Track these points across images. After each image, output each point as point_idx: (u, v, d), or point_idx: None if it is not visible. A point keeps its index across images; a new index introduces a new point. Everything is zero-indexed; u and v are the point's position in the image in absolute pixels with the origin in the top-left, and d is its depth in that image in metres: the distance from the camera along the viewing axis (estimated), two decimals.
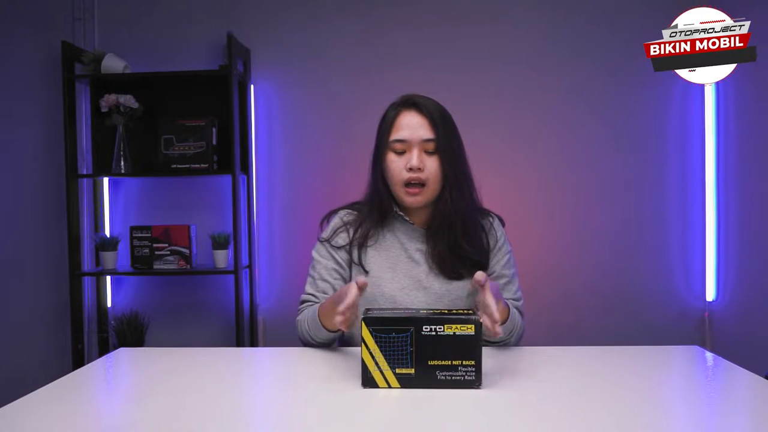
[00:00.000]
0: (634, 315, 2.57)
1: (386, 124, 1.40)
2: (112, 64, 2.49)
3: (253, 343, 2.63)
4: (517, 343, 1.38)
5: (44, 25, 2.67)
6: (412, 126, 1.37)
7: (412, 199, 1.37)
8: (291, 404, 1.05)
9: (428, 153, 1.37)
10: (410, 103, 1.39)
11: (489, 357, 1.27)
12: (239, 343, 2.46)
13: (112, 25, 2.69)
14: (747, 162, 2.44)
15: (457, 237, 1.38)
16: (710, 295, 2.55)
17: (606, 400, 1.02)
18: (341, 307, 1.11)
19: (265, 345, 2.67)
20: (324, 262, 1.43)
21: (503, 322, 1.29)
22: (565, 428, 0.90)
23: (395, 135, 1.37)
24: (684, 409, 1.03)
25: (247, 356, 1.55)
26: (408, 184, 1.36)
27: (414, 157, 1.35)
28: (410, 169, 1.35)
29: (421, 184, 1.36)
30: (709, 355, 1.30)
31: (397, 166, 1.37)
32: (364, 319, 1.06)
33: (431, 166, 1.36)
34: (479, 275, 1.13)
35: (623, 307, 2.58)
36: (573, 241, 2.60)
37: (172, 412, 0.98)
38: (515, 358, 1.28)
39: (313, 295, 1.42)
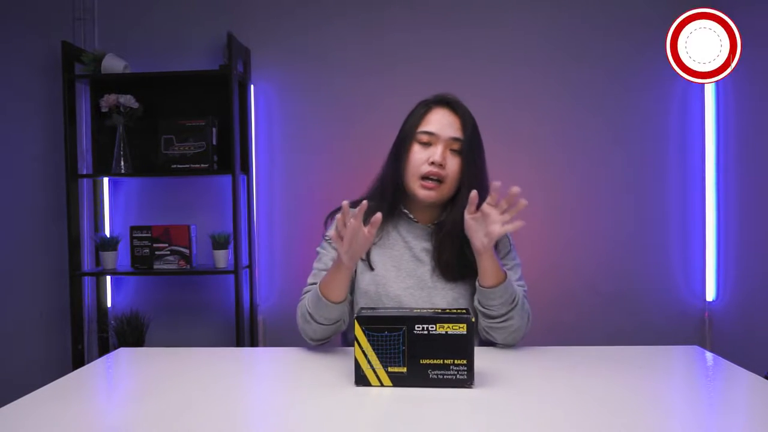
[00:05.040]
0: (634, 315, 2.57)
1: (416, 117, 1.40)
2: (112, 64, 2.49)
3: (253, 343, 2.63)
4: (526, 328, 1.34)
5: (44, 25, 2.67)
6: (443, 122, 1.37)
7: (426, 193, 1.36)
8: (286, 403, 1.05)
9: (452, 153, 1.36)
10: (444, 101, 1.40)
11: (486, 356, 1.27)
12: (239, 343, 2.46)
13: (112, 25, 2.69)
14: (747, 162, 2.43)
15: (464, 245, 1.36)
16: (710, 295, 2.55)
17: (606, 400, 1.02)
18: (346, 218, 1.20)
19: (265, 345, 2.67)
20: (331, 253, 1.41)
21: (498, 284, 1.28)
22: (564, 428, 0.90)
23: (424, 127, 1.37)
24: (684, 409, 1.03)
25: (246, 356, 1.55)
26: (425, 177, 1.36)
27: (438, 152, 1.35)
28: (432, 163, 1.35)
29: (439, 180, 1.35)
30: (709, 355, 1.30)
31: (420, 157, 1.36)
32: (357, 318, 1.07)
33: (452, 165, 1.36)
34: (473, 194, 1.25)
35: (623, 307, 2.58)
36: (573, 241, 2.60)
37: (172, 412, 0.98)
38: (513, 358, 1.28)
39: (316, 284, 1.38)
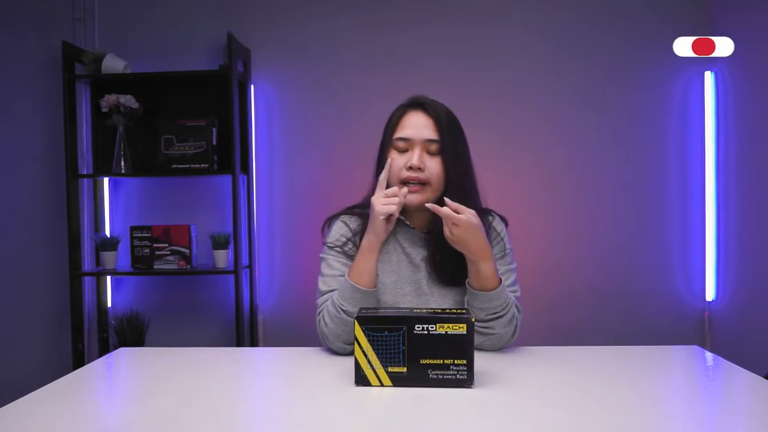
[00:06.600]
0: (634, 315, 2.57)
1: (392, 123, 1.39)
2: (113, 64, 2.49)
3: (253, 343, 2.63)
4: (514, 336, 1.33)
5: (45, 25, 2.67)
6: (417, 126, 1.36)
7: (409, 197, 1.34)
8: (286, 403, 1.06)
9: (431, 154, 1.35)
10: (417, 103, 1.39)
11: (486, 357, 1.27)
12: (239, 343, 2.46)
13: (112, 25, 2.69)
14: (747, 162, 2.43)
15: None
16: (710, 295, 2.55)
17: (606, 400, 1.02)
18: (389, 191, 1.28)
19: (265, 345, 2.67)
20: (342, 260, 1.38)
21: (482, 290, 1.27)
22: (564, 428, 0.90)
23: (399, 133, 1.37)
24: (684, 409, 1.03)
25: (246, 356, 1.55)
26: (406, 183, 1.34)
27: (415, 156, 1.33)
28: (410, 168, 1.33)
29: (420, 183, 1.34)
30: (709, 355, 1.30)
31: (398, 164, 1.35)
32: (357, 318, 1.07)
33: (433, 167, 1.34)
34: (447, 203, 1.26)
35: (623, 307, 2.58)
36: (573, 241, 2.60)
37: (172, 412, 0.98)
38: (513, 358, 1.28)
39: (332, 290, 1.36)
